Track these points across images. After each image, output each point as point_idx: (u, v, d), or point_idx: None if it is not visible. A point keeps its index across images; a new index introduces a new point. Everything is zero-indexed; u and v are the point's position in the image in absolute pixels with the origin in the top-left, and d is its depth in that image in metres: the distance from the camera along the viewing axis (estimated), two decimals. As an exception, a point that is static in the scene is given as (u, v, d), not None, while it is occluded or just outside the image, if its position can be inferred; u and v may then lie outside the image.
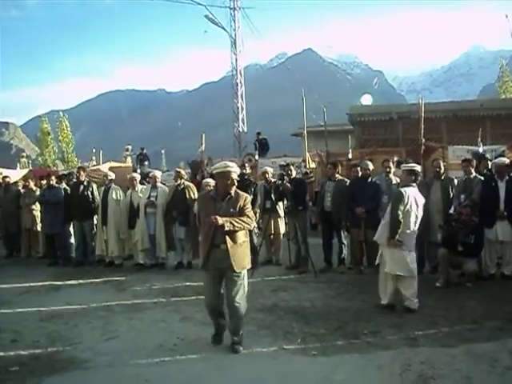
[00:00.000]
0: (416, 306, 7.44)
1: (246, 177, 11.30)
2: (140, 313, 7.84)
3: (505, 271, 9.39)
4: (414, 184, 7.68)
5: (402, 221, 7.31)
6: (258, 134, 22.71)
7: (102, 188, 12.05)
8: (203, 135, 16.11)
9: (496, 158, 11.32)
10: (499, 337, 6.23)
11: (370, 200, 9.81)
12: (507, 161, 9.74)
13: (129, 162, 23.12)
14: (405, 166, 8.16)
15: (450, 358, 5.62)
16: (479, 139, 15.59)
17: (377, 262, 7.82)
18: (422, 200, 7.67)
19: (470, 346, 5.97)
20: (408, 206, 7.38)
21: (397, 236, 7.34)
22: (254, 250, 10.87)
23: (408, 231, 7.42)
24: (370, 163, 10.41)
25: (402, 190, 7.53)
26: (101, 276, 10.59)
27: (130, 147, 24.48)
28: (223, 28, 31.00)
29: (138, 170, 18.60)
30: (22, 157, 27.32)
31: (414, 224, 7.49)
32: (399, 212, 7.30)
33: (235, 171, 6.09)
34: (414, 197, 7.48)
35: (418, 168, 7.89)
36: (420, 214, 7.57)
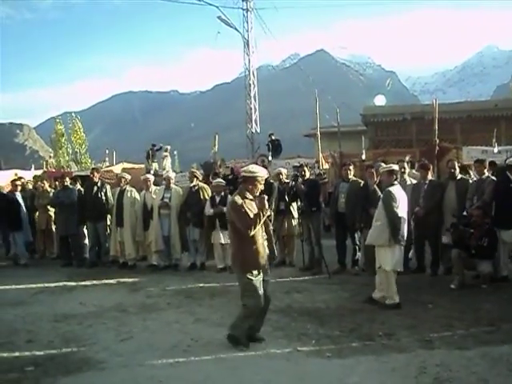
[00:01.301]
0: (398, 300, 7.71)
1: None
2: (154, 314, 7.87)
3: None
4: (396, 182, 8.00)
5: (401, 216, 7.62)
6: (271, 135, 22.69)
7: (117, 189, 12.07)
8: (216, 136, 16.14)
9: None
10: (515, 339, 6.18)
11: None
12: None
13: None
14: (383, 167, 8.48)
15: (466, 360, 5.57)
16: (494, 140, 15.50)
17: (378, 265, 7.89)
18: (405, 197, 8.00)
19: (486, 348, 5.91)
20: (397, 204, 7.64)
21: (400, 232, 7.62)
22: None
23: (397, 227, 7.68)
24: (383, 164, 10.36)
25: (390, 189, 7.78)
26: (115, 277, 10.65)
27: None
28: (236, 29, 30.96)
29: (152, 171, 18.61)
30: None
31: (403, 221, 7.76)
32: (395, 209, 7.59)
33: (262, 176, 6.17)
34: (399, 195, 7.76)
35: (396, 167, 8.31)
36: (405, 211, 7.89)
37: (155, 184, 12.33)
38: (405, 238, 7.81)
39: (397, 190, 7.81)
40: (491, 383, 5.01)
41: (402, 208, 7.73)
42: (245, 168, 6.37)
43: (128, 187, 11.92)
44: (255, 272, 6.06)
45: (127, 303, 8.52)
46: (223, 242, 10.84)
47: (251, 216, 5.92)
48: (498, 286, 8.84)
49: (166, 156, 23.18)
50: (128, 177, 12.20)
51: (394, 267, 7.72)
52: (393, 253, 7.68)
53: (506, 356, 5.65)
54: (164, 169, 21.68)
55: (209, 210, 11.05)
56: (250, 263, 6.06)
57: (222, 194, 11.17)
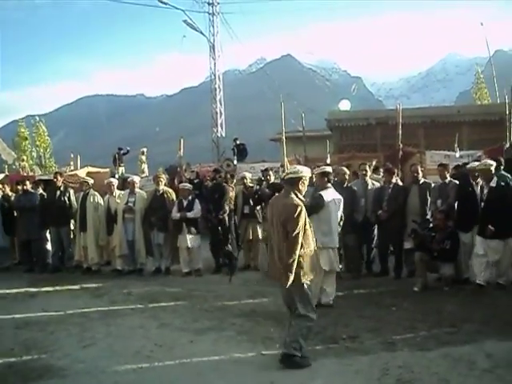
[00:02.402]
0: (332, 302, 7.96)
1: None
2: (117, 319, 7.79)
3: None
4: (329, 185, 8.12)
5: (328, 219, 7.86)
6: (236, 139, 22.80)
7: (80, 193, 11.92)
8: (181, 140, 16.07)
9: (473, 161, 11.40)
10: (476, 340, 6.29)
11: (346, 205, 9.85)
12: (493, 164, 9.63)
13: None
14: (316, 169, 8.58)
15: (427, 361, 5.66)
16: (456, 144, 15.75)
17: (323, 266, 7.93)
18: (340, 199, 8.11)
19: (447, 349, 6.01)
20: (328, 208, 7.80)
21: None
22: (230, 255, 10.89)
23: (330, 231, 7.88)
24: (345, 168, 10.47)
25: (321, 193, 7.91)
26: (78, 282, 10.50)
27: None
28: (202, 33, 30.93)
29: (116, 175, 18.42)
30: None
31: (335, 223, 7.97)
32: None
33: (307, 175, 5.92)
34: (332, 198, 7.90)
35: (329, 169, 8.45)
36: (340, 213, 8.06)
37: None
38: (334, 241, 8.00)
39: (329, 194, 7.93)
40: (452, 383, 5.09)
41: (333, 211, 7.89)
42: (289, 170, 6.10)
43: (91, 191, 11.78)
44: (311, 277, 5.78)
45: (90, 309, 8.41)
46: (190, 245, 10.86)
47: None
48: (460, 288, 8.99)
49: (144, 161, 23.07)
50: (91, 181, 12.07)
51: (331, 267, 7.96)
52: (323, 254, 7.78)
53: (467, 356, 5.75)
54: (143, 172, 21.54)
55: (175, 215, 11.00)
56: (307, 268, 5.67)
57: (190, 198, 11.15)
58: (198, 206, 11.11)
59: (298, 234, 5.48)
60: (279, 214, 5.63)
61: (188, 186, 11.69)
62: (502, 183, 8.94)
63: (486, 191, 8.93)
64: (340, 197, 8.15)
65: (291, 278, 5.45)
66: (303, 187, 5.82)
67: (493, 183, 8.87)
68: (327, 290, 8.01)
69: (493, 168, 9.02)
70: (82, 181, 12.34)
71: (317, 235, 7.61)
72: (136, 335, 6.97)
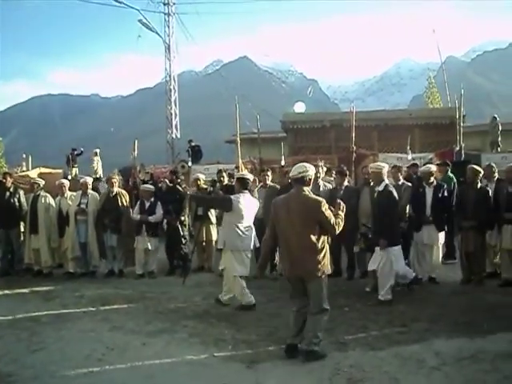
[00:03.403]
0: (253, 301, 8.04)
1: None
2: (68, 323, 7.64)
3: (432, 275, 9.69)
4: (246, 190, 8.22)
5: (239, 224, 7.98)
6: (190, 141, 22.77)
7: (31, 195, 11.67)
8: (136, 142, 15.94)
9: (424, 164, 11.69)
10: (426, 338, 6.41)
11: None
12: (433, 168, 10.11)
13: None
14: (237, 174, 9.07)
15: (378, 360, 5.74)
16: (408, 147, 16.06)
17: (221, 267, 8.32)
18: (255, 204, 8.37)
19: (398, 348, 6.11)
20: (241, 212, 7.94)
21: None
22: (184, 257, 10.85)
23: (242, 234, 7.97)
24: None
25: (233, 196, 8.07)
26: (28, 286, 10.26)
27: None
28: (157, 33, 30.72)
29: (69, 176, 18.16)
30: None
31: (248, 227, 8.08)
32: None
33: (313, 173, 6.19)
34: (246, 202, 8.06)
35: (249, 176, 8.64)
36: (252, 217, 8.23)
37: (95, 189, 12.06)
38: (248, 244, 8.10)
39: (244, 198, 8.06)
40: (402, 381, 5.19)
41: (245, 216, 8.01)
42: (298, 169, 6.09)
43: (42, 193, 11.53)
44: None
45: (41, 313, 8.22)
46: (150, 247, 10.83)
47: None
48: (411, 287, 9.14)
49: (98, 160, 22.76)
50: (42, 182, 11.84)
51: (240, 273, 8.04)
52: (236, 258, 8.01)
53: (416, 354, 5.86)
54: (96, 173, 21.25)
55: (136, 216, 10.95)
56: (328, 264, 6.05)
57: (152, 200, 11.11)
58: (160, 210, 11.07)
59: (326, 228, 5.91)
60: (300, 210, 5.88)
61: (150, 187, 11.63)
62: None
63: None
64: (256, 201, 8.50)
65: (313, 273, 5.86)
66: (310, 184, 6.09)
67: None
68: (237, 296, 8.15)
69: (433, 171, 9.87)
70: (32, 182, 12.07)
71: (229, 239, 7.97)
72: (87, 339, 6.85)
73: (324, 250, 5.95)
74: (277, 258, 10.43)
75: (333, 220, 5.88)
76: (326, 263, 5.96)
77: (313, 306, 5.93)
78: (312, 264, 5.85)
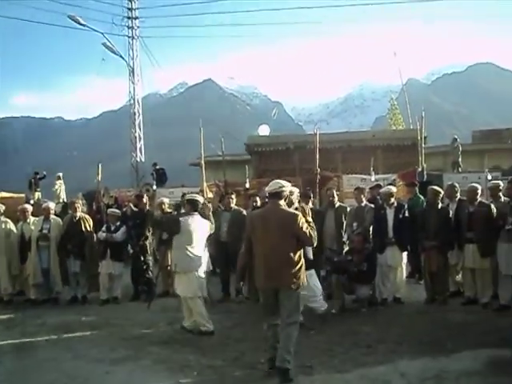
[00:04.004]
0: (211, 327, 7.98)
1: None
2: (30, 352, 7.51)
3: (396, 295, 9.78)
4: (196, 212, 8.27)
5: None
6: (155, 164, 22.74)
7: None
8: (99, 165, 15.79)
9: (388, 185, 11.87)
10: (392, 359, 6.45)
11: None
12: (393, 189, 10.25)
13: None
14: (187, 195, 9.11)
15: (345, 383, 5.75)
16: (371, 168, 16.25)
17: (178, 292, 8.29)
18: (205, 225, 8.39)
19: (364, 370, 6.15)
20: (190, 234, 7.99)
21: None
22: (149, 282, 10.74)
23: (193, 255, 7.98)
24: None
25: (182, 218, 8.17)
26: (-12, 314, 10.00)
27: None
28: (121, 56, 30.63)
29: (32, 201, 17.86)
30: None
31: (199, 248, 8.10)
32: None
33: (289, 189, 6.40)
34: (195, 224, 8.10)
35: (199, 198, 8.68)
36: (204, 238, 8.31)
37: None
38: (199, 266, 8.10)
39: (193, 220, 8.12)
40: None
41: (195, 238, 8.06)
42: (275, 185, 6.26)
43: (2, 218, 11.28)
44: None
45: (2, 342, 8.04)
46: (114, 272, 10.74)
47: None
48: (377, 309, 9.25)
49: (61, 184, 22.44)
50: (2, 207, 11.61)
51: (194, 294, 8.03)
52: (189, 279, 8.01)
53: (382, 376, 5.91)
54: (58, 197, 20.94)
55: (101, 234, 10.90)
56: (304, 278, 6.19)
57: (117, 223, 11.03)
58: (122, 231, 11.01)
59: (303, 240, 6.14)
60: (277, 224, 6.06)
61: (116, 211, 11.55)
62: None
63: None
64: (206, 223, 8.49)
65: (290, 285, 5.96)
66: (286, 200, 6.28)
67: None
68: (197, 318, 8.10)
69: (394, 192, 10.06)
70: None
71: (180, 261, 8.01)
72: (49, 368, 6.70)
73: (300, 263, 6.08)
74: (242, 282, 10.41)
75: (309, 232, 6.07)
76: (301, 276, 6.08)
77: (286, 316, 6.00)
78: (288, 276, 5.97)
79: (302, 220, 6.08)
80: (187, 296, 8.06)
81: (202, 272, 8.17)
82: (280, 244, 6.00)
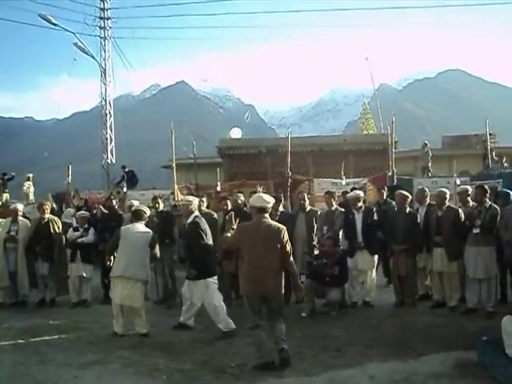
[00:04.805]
0: (148, 327, 8.21)
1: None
2: (-4, 356, 7.34)
3: (366, 298, 9.86)
4: (140, 221, 8.58)
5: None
6: (124, 167, 22.59)
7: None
8: (69, 167, 15.66)
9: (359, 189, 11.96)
10: (361, 362, 6.50)
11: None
12: (360, 193, 10.35)
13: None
14: (133, 207, 9.47)
15: (313, 386, 5.74)
16: (342, 172, 16.37)
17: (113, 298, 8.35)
18: (149, 233, 8.54)
19: (333, 373, 6.17)
20: (129, 241, 8.23)
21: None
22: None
23: (132, 262, 8.15)
24: (241, 195, 10.61)
25: (123, 227, 8.62)
26: (-47, 318, 9.79)
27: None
28: (93, 57, 30.33)
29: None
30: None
31: (139, 256, 8.28)
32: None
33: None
34: (136, 232, 8.37)
35: (145, 209, 8.93)
36: (144, 247, 8.38)
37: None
38: (144, 274, 8.33)
39: (135, 228, 8.44)
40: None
41: (136, 245, 8.31)
42: (260, 201, 6.72)
43: (-32, 221, 11.10)
44: None
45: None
46: (84, 275, 10.66)
47: None
48: (347, 312, 9.31)
49: (30, 185, 22.10)
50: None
51: (122, 301, 8.17)
52: (127, 285, 8.15)
53: (351, 379, 5.97)
54: (27, 198, 20.62)
55: (74, 234, 10.80)
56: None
57: (86, 226, 10.92)
58: (92, 232, 10.95)
59: (286, 251, 6.58)
60: (265, 236, 6.53)
61: (85, 213, 11.41)
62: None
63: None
64: (149, 231, 8.59)
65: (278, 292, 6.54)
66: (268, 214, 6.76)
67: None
68: (137, 323, 8.28)
69: (361, 196, 10.19)
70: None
71: (119, 267, 8.13)
72: (16, 373, 6.59)
73: (282, 272, 6.60)
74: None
75: (289, 247, 6.60)
76: (283, 283, 6.60)
77: (275, 318, 6.56)
78: (274, 284, 6.49)
79: (286, 234, 6.60)
80: (132, 302, 8.18)
81: (141, 278, 8.31)
82: (267, 254, 6.46)
